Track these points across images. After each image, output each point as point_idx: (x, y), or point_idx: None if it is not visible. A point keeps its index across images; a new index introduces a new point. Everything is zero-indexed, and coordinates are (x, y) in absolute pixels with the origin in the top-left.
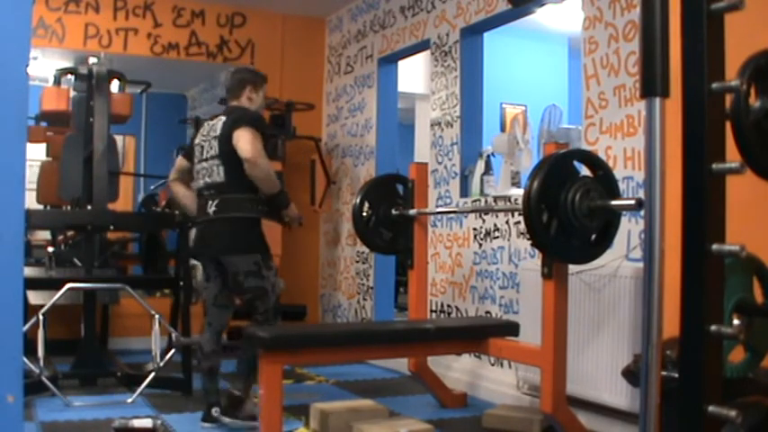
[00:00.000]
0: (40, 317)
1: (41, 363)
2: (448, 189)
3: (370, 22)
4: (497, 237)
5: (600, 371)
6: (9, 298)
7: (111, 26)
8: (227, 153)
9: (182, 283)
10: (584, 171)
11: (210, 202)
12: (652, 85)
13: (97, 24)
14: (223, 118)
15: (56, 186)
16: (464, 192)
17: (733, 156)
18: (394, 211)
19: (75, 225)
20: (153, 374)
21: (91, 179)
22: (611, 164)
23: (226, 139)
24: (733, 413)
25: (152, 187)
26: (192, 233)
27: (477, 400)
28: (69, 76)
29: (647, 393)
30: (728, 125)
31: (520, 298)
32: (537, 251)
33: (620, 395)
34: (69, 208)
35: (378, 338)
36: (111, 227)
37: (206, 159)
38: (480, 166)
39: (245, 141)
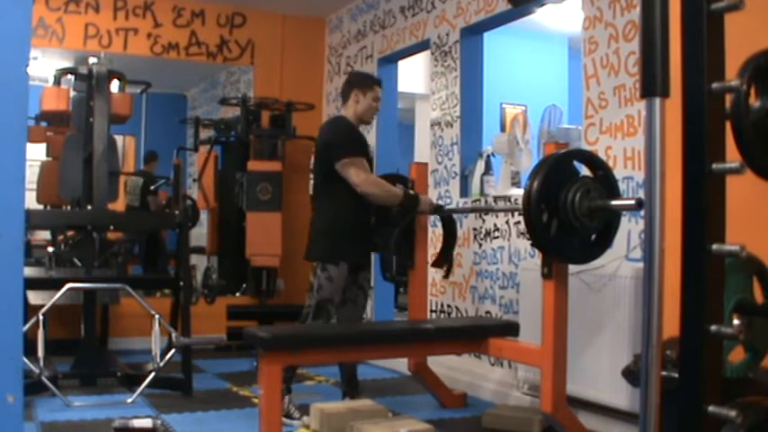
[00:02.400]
0: (40, 317)
1: (41, 363)
2: (448, 189)
3: (370, 22)
4: (497, 237)
5: (600, 371)
6: (9, 298)
7: (111, 26)
8: (316, 170)
9: (182, 283)
10: (584, 171)
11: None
12: (652, 85)
13: (97, 24)
14: (318, 135)
15: (56, 186)
16: (464, 192)
17: (733, 156)
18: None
19: (75, 225)
20: (153, 374)
21: (91, 179)
22: (611, 164)
23: (317, 157)
24: (733, 413)
25: (152, 187)
26: None
27: (477, 400)
28: (69, 76)
29: (647, 393)
30: (728, 125)
31: (520, 298)
32: (537, 251)
33: (620, 395)
34: (69, 208)
35: (378, 338)
36: (111, 227)
37: (311, 170)
38: (480, 166)
39: (349, 174)
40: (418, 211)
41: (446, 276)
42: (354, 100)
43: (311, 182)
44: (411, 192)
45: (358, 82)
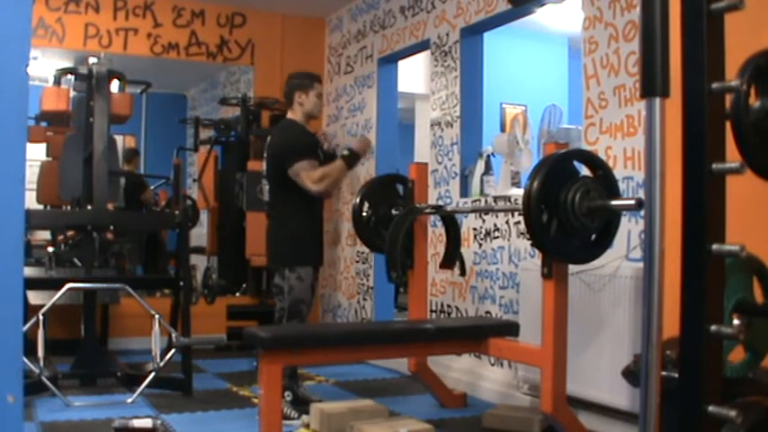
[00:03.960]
0: (40, 317)
1: (41, 363)
2: (448, 189)
3: (370, 22)
4: (497, 237)
5: (600, 371)
6: (9, 298)
7: (111, 26)
8: (271, 176)
9: (182, 283)
10: (584, 171)
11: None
12: (652, 85)
13: (97, 24)
14: (269, 139)
15: (56, 186)
16: (464, 192)
17: (733, 156)
18: (394, 211)
19: (75, 225)
20: (153, 374)
21: (91, 179)
22: (611, 164)
23: (269, 162)
24: (733, 413)
25: (152, 187)
26: None
27: (477, 400)
28: (69, 76)
29: (647, 393)
30: (728, 125)
31: (520, 298)
32: (537, 251)
33: (620, 395)
34: (69, 208)
35: (378, 338)
36: (111, 227)
37: (264, 177)
38: (480, 166)
39: (301, 180)
40: (361, 155)
41: (462, 274)
42: (299, 102)
43: (265, 188)
44: (345, 152)
45: (298, 84)
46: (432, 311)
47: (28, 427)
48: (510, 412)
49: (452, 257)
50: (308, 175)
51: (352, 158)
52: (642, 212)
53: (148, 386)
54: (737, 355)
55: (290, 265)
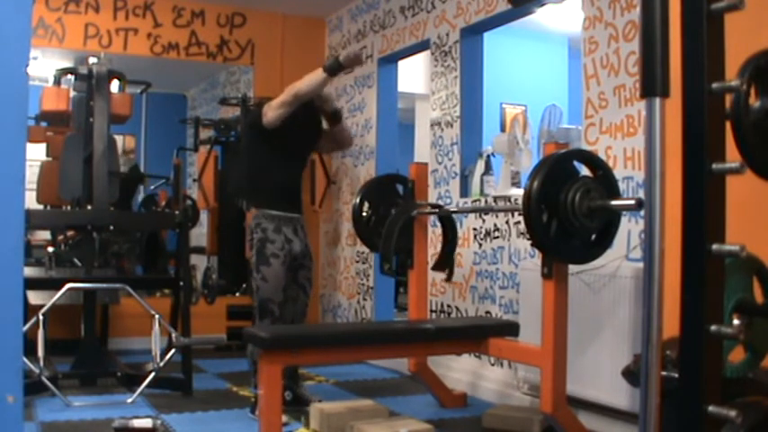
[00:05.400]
0: (40, 317)
1: (41, 363)
2: (448, 189)
3: (370, 22)
4: (497, 237)
5: (600, 371)
6: (9, 298)
7: (111, 26)
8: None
9: (182, 283)
10: (584, 171)
11: None
12: (652, 85)
13: (97, 24)
14: None
15: (56, 186)
16: (464, 192)
17: (733, 156)
18: (394, 212)
19: (75, 225)
20: (153, 374)
21: (91, 179)
22: (611, 164)
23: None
24: (733, 413)
25: (152, 187)
26: None
27: (477, 400)
28: (69, 76)
29: (647, 393)
30: (728, 125)
31: (520, 298)
32: (537, 251)
33: (620, 395)
34: (69, 208)
35: (378, 338)
36: (111, 227)
37: None
38: (480, 166)
39: (268, 123)
40: (345, 65)
41: (448, 279)
42: None
43: None
44: (328, 61)
45: None
46: (432, 311)
47: (28, 427)
48: (510, 412)
49: (446, 261)
50: (271, 104)
51: (333, 66)
52: (642, 212)
53: (148, 386)
54: (737, 355)
55: (256, 259)
